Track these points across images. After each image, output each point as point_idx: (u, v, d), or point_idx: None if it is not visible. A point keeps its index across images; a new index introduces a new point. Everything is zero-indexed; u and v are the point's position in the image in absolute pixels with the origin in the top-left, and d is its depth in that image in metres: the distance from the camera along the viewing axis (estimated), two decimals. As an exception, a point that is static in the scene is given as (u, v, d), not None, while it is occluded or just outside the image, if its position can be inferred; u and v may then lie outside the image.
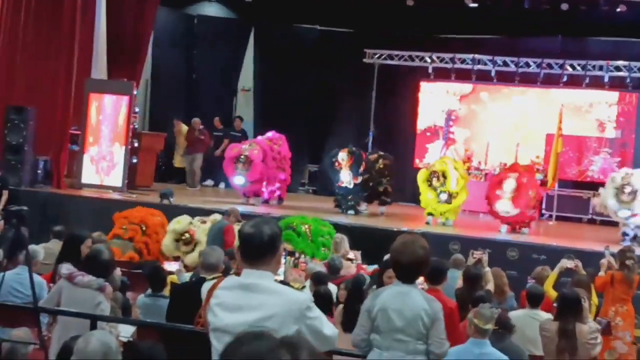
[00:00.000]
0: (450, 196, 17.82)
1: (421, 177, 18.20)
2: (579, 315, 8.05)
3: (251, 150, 18.78)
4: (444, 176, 17.77)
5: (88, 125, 19.53)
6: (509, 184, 17.17)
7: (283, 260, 10.56)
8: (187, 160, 22.21)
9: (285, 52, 24.32)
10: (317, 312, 4.57)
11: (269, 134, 19.92)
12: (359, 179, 18.92)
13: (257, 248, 4.55)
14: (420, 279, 7.65)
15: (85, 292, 7.82)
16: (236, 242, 12.67)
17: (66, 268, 8.17)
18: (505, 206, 17.22)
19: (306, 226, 14.77)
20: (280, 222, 14.63)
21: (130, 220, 15.51)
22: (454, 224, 18.14)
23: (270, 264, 4.58)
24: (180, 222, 15.06)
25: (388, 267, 8.84)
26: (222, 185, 22.72)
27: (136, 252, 14.78)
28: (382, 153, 19.81)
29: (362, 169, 18.92)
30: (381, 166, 19.31)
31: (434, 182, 17.82)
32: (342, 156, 18.92)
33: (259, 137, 19.86)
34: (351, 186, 19.00)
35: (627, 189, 16.54)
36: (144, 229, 15.32)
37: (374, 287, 9.34)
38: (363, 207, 19.47)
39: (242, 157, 18.68)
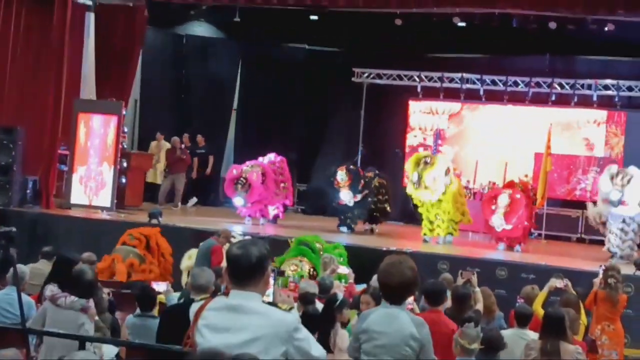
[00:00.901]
0: (419, 180, 17.65)
1: (414, 157, 18.32)
2: (562, 335, 8.04)
3: (251, 172, 18.85)
4: (431, 163, 17.75)
5: (77, 146, 19.51)
6: (503, 200, 17.23)
7: (272, 281, 10.53)
8: (167, 180, 21.99)
9: (273, 72, 24.35)
10: (305, 333, 4.56)
11: (271, 155, 20.02)
12: (359, 197, 18.99)
13: (245, 269, 4.55)
14: (410, 299, 7.64)
15: (68, 313, 7.83)
16: (224, 263, 12.69)
17: (50, 290, 8.17)
18: (497, 220, 17.26)
19: (319, 245, 14.75)
20: (295, 239, 14.67)
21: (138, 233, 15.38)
22: (454, 240, 18.25)
23: (258, 285, 4.57)
24: (192, 257, 14.85)
25: (342, 307, 8.86)
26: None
27: (138, 258, 14.53)
28: (377, 172, 19.88)
29: (360, 186, 18.97)
30: (376, 184, 19.37)
31: (421, 165, 17.78)
32: (341, 176, 18.99)
33: (261, 159, 19.85)
34: (351, 204, 19.09)
35: (621, 175, 16.68)
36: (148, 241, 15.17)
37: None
38: (368, 226, 19.72)
39: (241, 179, 18.75)
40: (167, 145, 22.28)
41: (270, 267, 4.72)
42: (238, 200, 19.09)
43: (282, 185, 20.02)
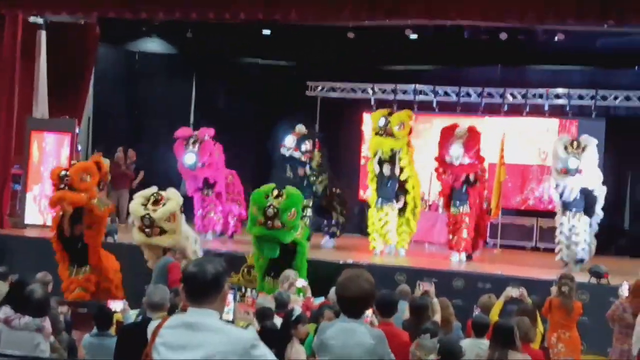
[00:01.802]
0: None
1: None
2: (511, 344, 8.11)
3: (202, 132, 18.84)
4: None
5: (30, 164, 19.39)
6: (462, 130, 17.29)
7: (231, 298, 10.50)
8: (112, 197, 21.16)
9: (227, 87, 24.34)
10: (263, 350, 4.55)
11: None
12: (298, 153, 19.00)
13: (201, 287, 4.55)
14: (369, 311, 7.64)
15: (23, 334, 7.79)
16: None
17: (3, 312, 8.11)
18: (457, 150, 17.24)
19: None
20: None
21: None
22: (405, 253, 18.21)
23: (214, 303, 4.57)
24: (149, 190, 14.51)
25: (298, 322, 8.85)
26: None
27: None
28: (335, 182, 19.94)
29: (306, 147, 19.07)
30: (339, 191, 19.38)
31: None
32: (301, 128, 19.40)
33: None
34: (287, 154, 19.17)
35: (576, 143, 16.66)
36: None
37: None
38: (328, 241, 19.56)
39: (193, 136, 18.80)
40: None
41: (227, 285, 4.71)
42: (189, 158, 18.66)
43: (235, 192, 19.85)
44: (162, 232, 13.60)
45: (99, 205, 14.43)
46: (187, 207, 19.12)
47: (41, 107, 20.66)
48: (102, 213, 14.50)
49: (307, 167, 19.07)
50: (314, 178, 19.10)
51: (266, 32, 22.23)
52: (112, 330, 9.42)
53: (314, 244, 19.17)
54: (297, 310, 9.52)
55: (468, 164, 17.50)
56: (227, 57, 24.55)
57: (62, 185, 14.14)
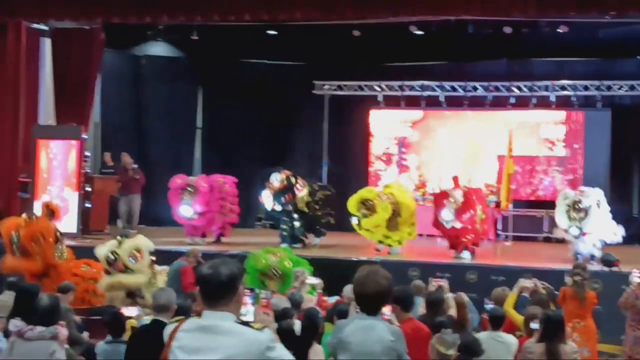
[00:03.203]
0: (358, 224, 17.67)
1: (358, 196, 17.93)
2: (563, 336, 8.12)
3: (198, 180, 18.64)
4: (373, 211, 17.54)
5: (38, 172, 19.35)
6: (457, 195, 17.07)
7: (249, 300, 10.50)
8: (123, 202, 20.75)
9: (234, 88, 24.31)
10: (280, 352, 4.53)
11: (217, 177, 19.58)
12: (277, 207, 18.64)
13: (216, 289, 4.53)
14: (387, 310, 7.60)
15: (38, 344, 7.76)
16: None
17: (14, 325, 8.09)
18: (448, 215, 17.07)
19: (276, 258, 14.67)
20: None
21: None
22: (401, 250, 18.09)
23: (230, 305, 4.55)
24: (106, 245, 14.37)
25: None
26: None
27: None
28: (321, 184, 19.81)
29: (285, 200, 18.59)
30: (321, 196, 19.20)
31: (362, 209, 17.62)
32: (276, 177, 18.67)
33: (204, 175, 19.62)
34: (268, 209, 18.88)
35: (579, 206, 16.61)
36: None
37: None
38: (313, 239, 19.38)
39: (189, 186, 18.49)
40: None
41: (242, 286, 4.69)
42: (184, 210, 18.48)
43: (227, 205, 19.66)
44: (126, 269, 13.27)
45: (60, 257, 14.33)
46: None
47: (47, 114, 20.68)
48: (63, 266, 14.27)
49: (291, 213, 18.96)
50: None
51: (271, 32, 22.22)
52: (126, 336, 9.40)
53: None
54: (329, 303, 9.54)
55: (460, 228, 17.26)
56: (233, 58, 24.53)
57: (14, 248, 14.00)
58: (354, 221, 17.71)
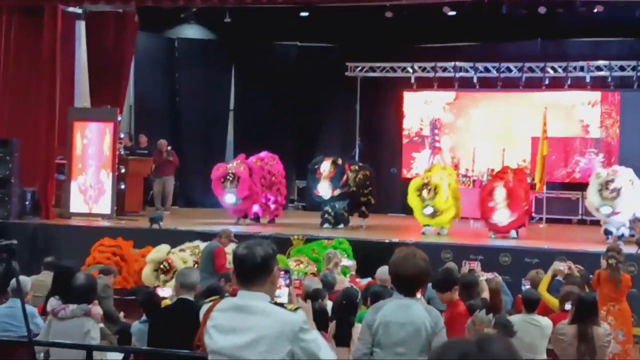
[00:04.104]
0: (435, 212, 17.65)
1: (413, 185, 17.99)
2: (596, 318, 8.10)
3: (237, 167, 18.72)
4: (435, 191, 17.53)
5: (74, 154, 19.49)
6: (500, 193, 17.04)
7: (284, 282, 10.55)
8: (158, 184, 21.60)
9: (266, 70, 24.35)
10: (313, 334, 4.55)
11: (262, 154, 19.79)
12: (337, 192, 18.76)
13: (251, 269, 4.57)
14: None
15: (72, 322, 7.84)
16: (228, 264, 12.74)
17: (50, 305, 8.17)
18: (502, 216, 17.10)
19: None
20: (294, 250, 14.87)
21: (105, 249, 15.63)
22: (448, 232, 18.09)
23: (265, 285, 4.58)
24: (159, 251, 15.03)
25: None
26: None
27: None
28: (361, 164, 19.77)
29: (342, 182, 18.77)
30: (361, 177, 19.20)
31: (424, 193, 17.62)
32: (325, 166, 18.78)
33: (241, 156, 19.69)
34: (327, 197, 18.90)
35: (611, 186, 16.55)
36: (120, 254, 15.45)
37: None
38: (360, 221, 19.49)
39: (229, 175, 18.62)
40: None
41: (277, 267, 4.72)
42: (229, 198, 18.67)
43: (272, 179, 19.82)
44: None
45: None
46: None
47: (82, 97, 20.83)
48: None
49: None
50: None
51: (304, 14, 22.21)
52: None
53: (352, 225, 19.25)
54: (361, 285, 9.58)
55: (515, 220, 17.32)
56: (265, 40, 24.55)
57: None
58: (428, 211, 17.63)
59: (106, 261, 15.05)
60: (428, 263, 5.83)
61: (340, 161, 18.99)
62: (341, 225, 18.87)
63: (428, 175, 18.11)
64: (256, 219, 19.62)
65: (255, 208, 19.48)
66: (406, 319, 5.71)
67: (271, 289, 4.66)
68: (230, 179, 18.52)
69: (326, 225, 18.80)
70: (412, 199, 17.79)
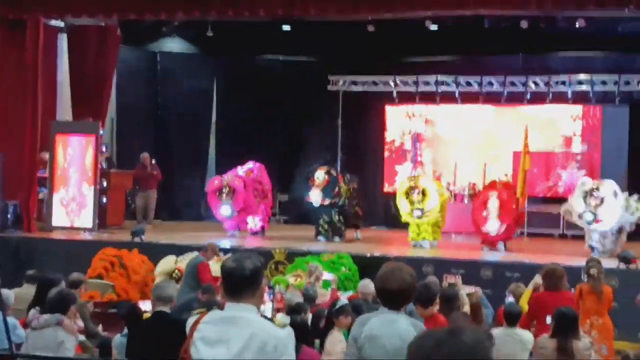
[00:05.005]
0: (423, 214, 17.83)
1: (401, 189, 18.25)
2: (576, 333, 8.12)
3: (232, 180, 18.88)
4: (424, 194, 17.76)
5: (56, 168, 19.47)
6: (493, 203, 17.35)
7: (268, 297, 10.59)
8: (141, 197, 21.62)
9: (248, 84, 24.36)
10: (293, 354, 4.57)
11: (250, 164, 20.03)
12: (327, 202, 18.94)
13: (239, 282, 4.59)
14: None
15: (45, 333, 7.84)
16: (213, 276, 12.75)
17: (30, 315, 8.17)
18: (494, 225, 17.39)
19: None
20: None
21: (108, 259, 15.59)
22: (438, 244, 18.27)
23: (253, 298, 4.61)
24: (168, 262, 15.04)
25: (341, 313, 8.87)
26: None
27: (115, 294, 14.76)
28: (348, 176, 19.86)
29: (334, 193, 18.94)
30: (350, 189, 19.38)
31: (414, 196, 17.81)
32: (319, 175, 19.02)
33: (239, 168, 19.86)
34: (317, 205, 19.04)
35: (595, 194, 16.68)
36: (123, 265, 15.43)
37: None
38: (355, 234, 19.68)
39: (224, 187, 18.76)
40: None
41: (264, 281, 4.75)
42: (225, 210, 18.95)
43: (264, 189, 20.04)
44: None
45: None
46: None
47: (65, 110, 20.79)
48: None
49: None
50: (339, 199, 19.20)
51: (286, 28, 22.26)
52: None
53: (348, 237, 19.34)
54: (343, 301, 9.57)
55: (504, 231, 17.70)
56: (247, 54, 24.58)
57: None
58: (417, 214, 17.85)
59: (103, 271, 15.12)
60: (414, 278, 5.84)
61: (333, 172, 19.27)
62: (337, 239, 18.94)
63: (414, 179, 18.34)
64: (261, 231, 20.11)
65: (253, 222, 19.72)
66: (391, 333, 5.70)
67: (259, 302, 4.69)
68: (226, 191, 18.66)
69: (321, 238, 18.90)
70: (401, 202, 18.02)
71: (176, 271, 14.75)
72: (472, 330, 2.92)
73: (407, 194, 17.92)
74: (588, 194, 16.78)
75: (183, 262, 14.80)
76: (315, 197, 19.00)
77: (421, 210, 17.73)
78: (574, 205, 17.16)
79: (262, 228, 20.20)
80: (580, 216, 16.98)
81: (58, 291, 8.35)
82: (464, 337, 2.85)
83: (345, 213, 19.32)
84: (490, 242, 17.76)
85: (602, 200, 16.65)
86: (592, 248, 17.04)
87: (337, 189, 19.03)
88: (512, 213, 17.65)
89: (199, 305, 10.03)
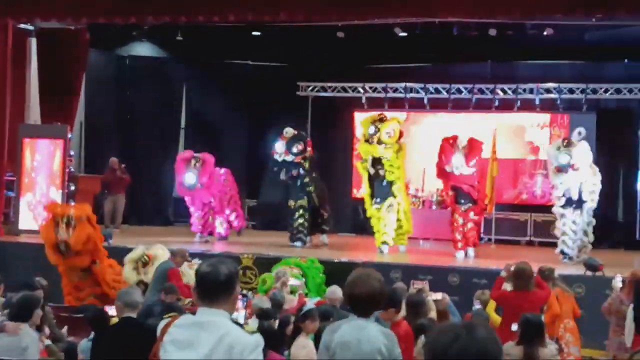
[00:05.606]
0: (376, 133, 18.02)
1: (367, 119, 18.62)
2: (542, 339, 8.17)
3: (204, 154, 18.97)
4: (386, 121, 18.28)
5: (23, 171, 19.38)
6: (462, 141, 17.40)
7: (240, 305, 10.59)
8: (109, 202, 21.56)
9: (218, 89, 24.36)
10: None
11: (220, 170, 20.02)
12: (290, 157, 19.03)
13: (213, 287, 4.60)
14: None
15: (9, 339, 7.84)
16: (184, 281, 12.77)
17: None
18: (459, 161, 17.43)
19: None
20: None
21: None
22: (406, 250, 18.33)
23: (226, 304, 4.62)
24: (136, 251, 14.85)
25: (307, 318, 8.89)
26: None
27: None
28: (314, 175, 19.91)
29: (298, 149, 19.02)
30: (319, 190, 19.42)
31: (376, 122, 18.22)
32: (288, 130, 19.30)
33: None
34: (280, 159, 19.19)
35: (567, 142, 17.01)
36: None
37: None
38: (321, 238, 19.74)
39: (195, 157, 18.95)
40: None
41: (239, 287, 4.76)
42: (189, 177, 18.88)
43: (231, 193, 20.14)
44: None
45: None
46: (182, 206, 19.30)
47: (33, 114, 20.71)
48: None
49: (300, 169, 19.10)
50: (308, 179, 19.14)
51: (256, 33, 22.27)
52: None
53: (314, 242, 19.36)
54: (309, 305, 9.58)
55: (468, 175, 17.56)
56: (217, 59, 24.56)
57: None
58: (370, 130, 18.13)
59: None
60: (383, 284, 5.87)
61: (304, 133, 19.49)
62: (298, 244, 18.93)
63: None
64: (223, 238, 19.99)
65: (221, 227, 19.64)
66: (362, 339, 5.72)
67: (232, 308, 4.70)
68: (194, 162, 18.85)
69: (298, 244, 18.92)
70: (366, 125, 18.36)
71: (144, 256, 14.53)
72: (485, 327, 3.18)
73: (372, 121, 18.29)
74: (561, 145, 16.96)
75: (152, 250, 14.65)
76: (279, 148, 19.14)
77: (376, 129, 18.04)
78: (549, 155, 17.32)
79: (240, 228, 20.33)
80: (557, 163, 16.98)
81: (22, 295, 8.32)
82: (479, 332, 3.10)
83: (314, 215, 19.32)
84: (458, 182, 17.87)
85: (574, 145, 16.87)
86: (563, 253, 17.11)
87: (302, 145, 19.09)
88: (475, 157, 17.71)
89: (162, 307, 10.04)
